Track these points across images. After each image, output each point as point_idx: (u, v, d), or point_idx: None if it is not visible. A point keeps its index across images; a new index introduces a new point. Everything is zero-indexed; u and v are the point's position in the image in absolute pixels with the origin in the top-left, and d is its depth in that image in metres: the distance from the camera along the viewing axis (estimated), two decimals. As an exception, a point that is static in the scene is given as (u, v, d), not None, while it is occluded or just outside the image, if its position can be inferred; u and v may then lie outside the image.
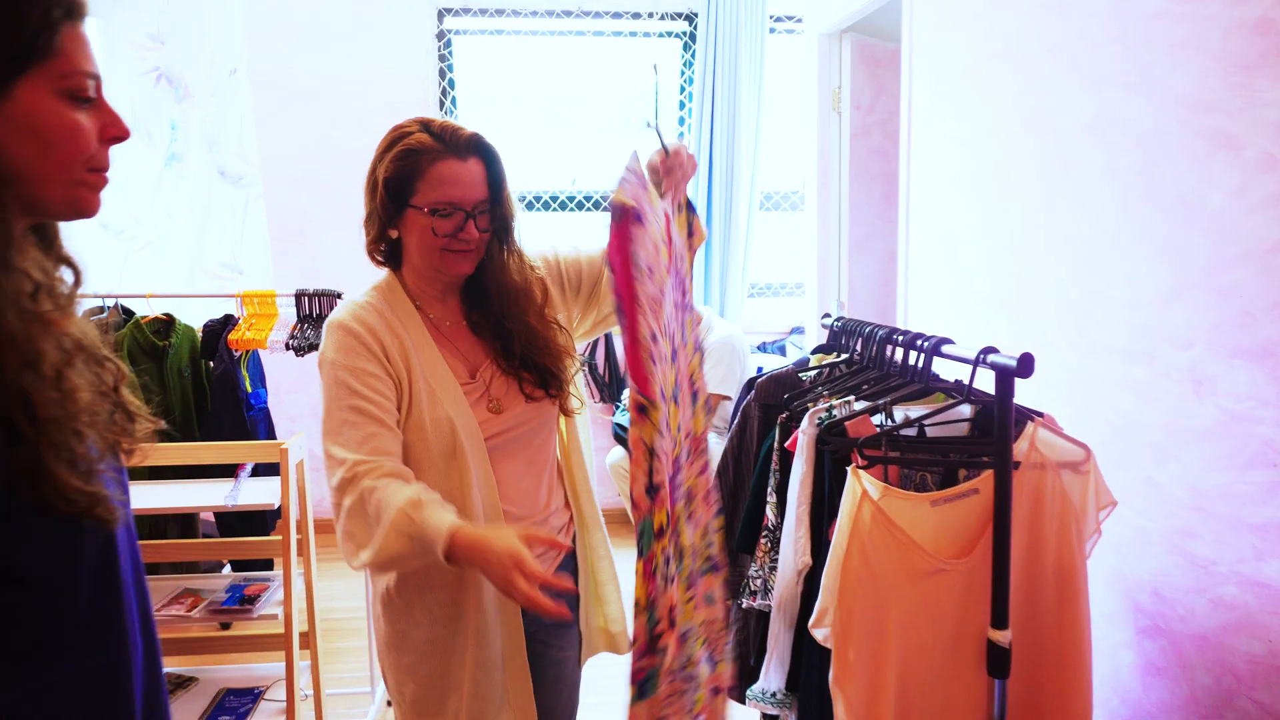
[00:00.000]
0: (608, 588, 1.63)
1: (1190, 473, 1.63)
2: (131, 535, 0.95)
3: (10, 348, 0.76)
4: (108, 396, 0.89)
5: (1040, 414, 1.50)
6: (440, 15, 4.27)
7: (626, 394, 3.86)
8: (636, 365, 1.10)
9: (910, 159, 2.69)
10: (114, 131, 0.86)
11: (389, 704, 2.74)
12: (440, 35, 4.28)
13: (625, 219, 1.09)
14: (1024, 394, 2.01)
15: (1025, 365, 1.28)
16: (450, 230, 1.37)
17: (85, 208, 0.86)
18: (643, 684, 1.16)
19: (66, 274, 0.88)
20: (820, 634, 1.36)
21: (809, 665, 1.51)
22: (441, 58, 4.29)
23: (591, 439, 1.63)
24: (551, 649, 1.55)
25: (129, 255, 3.10)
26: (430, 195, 1.35)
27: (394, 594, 1.44)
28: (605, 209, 1.12)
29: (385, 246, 1.44)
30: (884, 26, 3.41)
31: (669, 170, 1.35)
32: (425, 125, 1.37)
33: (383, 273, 1.49)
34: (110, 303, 2.80)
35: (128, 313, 2.85)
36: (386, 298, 1.43)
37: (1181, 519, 1.65)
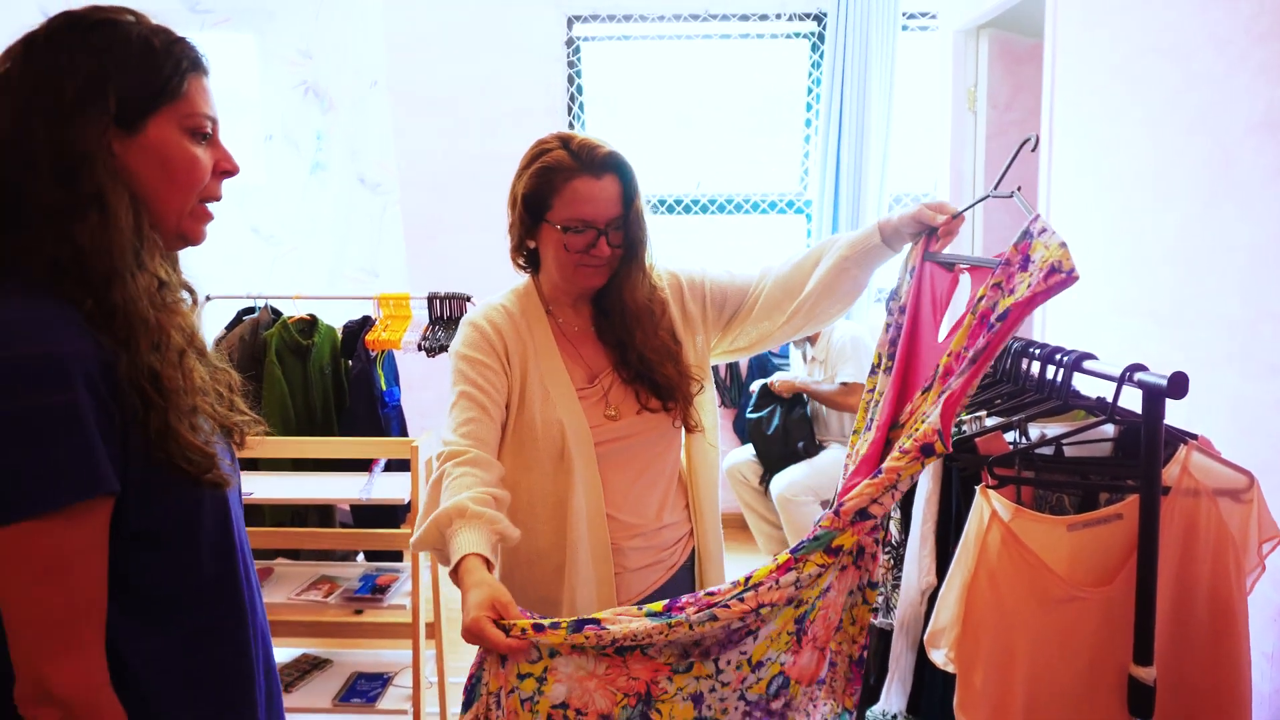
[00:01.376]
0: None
1: (1370, 506, 1.48)
2: (240, 510, 1.07)
3: (144, 331, 0.88)
4: (218, 385, 1.01)
5: (1194, 436, 1.39)
6: (570, 23, 4.35)
7: (756, 389, 3.83)
8: (950, 414, 1.16)
9: (1051, 160, 2.56)
10: (225, 166, 0.99)
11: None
12: (569, 42, 4.36)
13: (1063, 281, 1.10)
14: (1176, 415, 1.87)
15: (1177, 386, 1.19)
16: (582, 247, 1.40)
17: (192, 236, 0.99)
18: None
19: (185, 296, 1.00)
20: (937, 656, 1.31)
21: (931, 688, 1.46)
22: (570, 64, 4.37)
23: (719, 461, 1.60)
24: None
25: (277, 259, 3.31)
26: (564, 212, 1.39)
27: None
28: (1050, 263, 1.12)
29: (525, 254, 1.51)
30: (1025, 21, 3.25)
31: (946, 233, 1.43)
32: (565, 141, 1.40)
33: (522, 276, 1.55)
34: (261, 303, 3.00)
35: (276, 313, 3.03)
36: (521, 301, 1.49)
37: (1359, 556, 1.50)
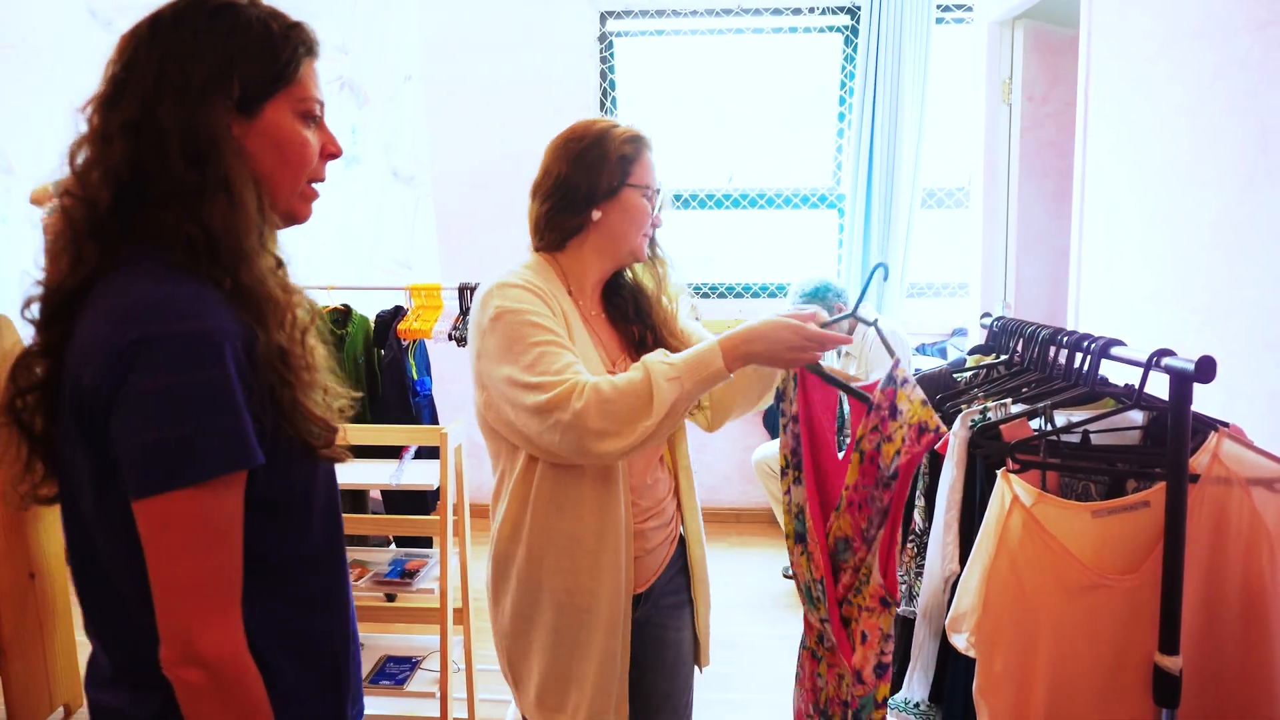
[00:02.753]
0: (700, 587, 1.62)
1: None
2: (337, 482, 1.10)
3: (273, 310, 0.91)
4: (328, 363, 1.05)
5: (1225, 424, 1.37)
6: (603, 18, 4.37)
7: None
8: (891, 568, 1.28)
9: (1086, 150, 2.52)
10: (332, 149, 1.02)
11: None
12: (602, 38, 4.37)
13: (932, 440, 1.17)
14: (1211, 403, 1.83)
15: (1205, 369, 1.17)
16: (650, 212, 1.50)
17: (300, 216, 1.02)
18: None
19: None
20: (959, 640, 1.30)
21: (954, 676, 1.45)
22: (603, 59, 4.39)
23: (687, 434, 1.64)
24: (669, 630, 1.57)
25: (313, 249, 3.36)
26: (644, 178, 1.49)
27: (520, 579, 1.45)
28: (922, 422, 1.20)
29: (571, 225, 1.49)
30: (1062, 11, 3.20)
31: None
32: (618, 122, 1.50)
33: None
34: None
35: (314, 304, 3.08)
36: (542, 276, 1.47)
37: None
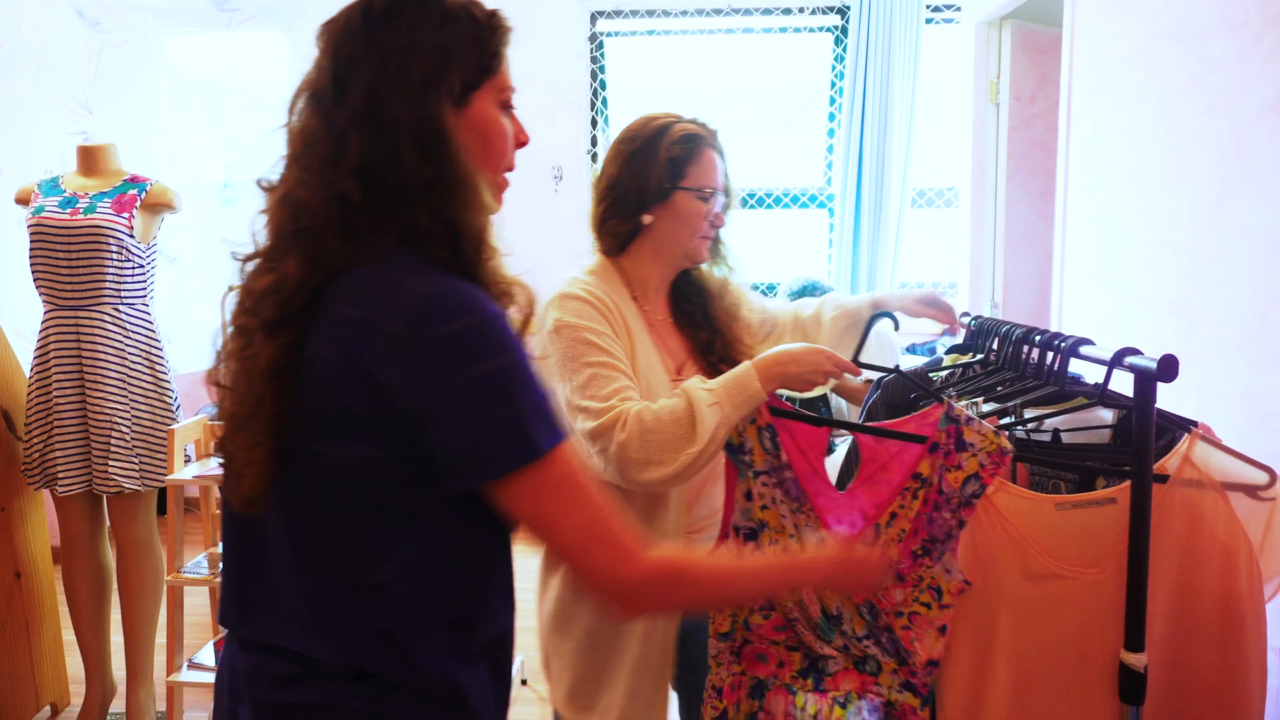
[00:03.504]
0: None
1: (1379, 496, 1.44)
2: None
3: (507, 303, 0.93)
4: None
5: (1194, 424, 1.37)
6: (593, 18, 4.37)
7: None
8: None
9: (1069, 151, 2.53)
10: (523, 137, 1.01)
11: (524, 682, 2.84)
12: (593, 38, 4.38)
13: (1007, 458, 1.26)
14: (1186, 404, 1.84)
15: (1167, 368, 1.17)
16: (709, 214, 1.47)
17: (497, 205, 1.00)
18: None
19: None
20: None
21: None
22: (594, 59, 4.39)
23: None
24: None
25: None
26: (701, 179, 1.45)
27: (565, 578, 1.45)
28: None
29: (624, 230, 1.48)
30: (1050, 11, 3.20)
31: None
32: (679, 118, 1.48)
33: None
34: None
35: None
36: (604, 284, 1.45)
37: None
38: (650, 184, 1.43)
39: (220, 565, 1.07)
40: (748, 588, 1.03)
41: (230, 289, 0.96)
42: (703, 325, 1.53)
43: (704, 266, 1.55)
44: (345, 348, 0.85)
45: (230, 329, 0.93)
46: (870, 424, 1.41)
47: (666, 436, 1.27)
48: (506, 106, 0.98)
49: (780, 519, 1.33)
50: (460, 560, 0.92)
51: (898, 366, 1.50)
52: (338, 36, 0.91)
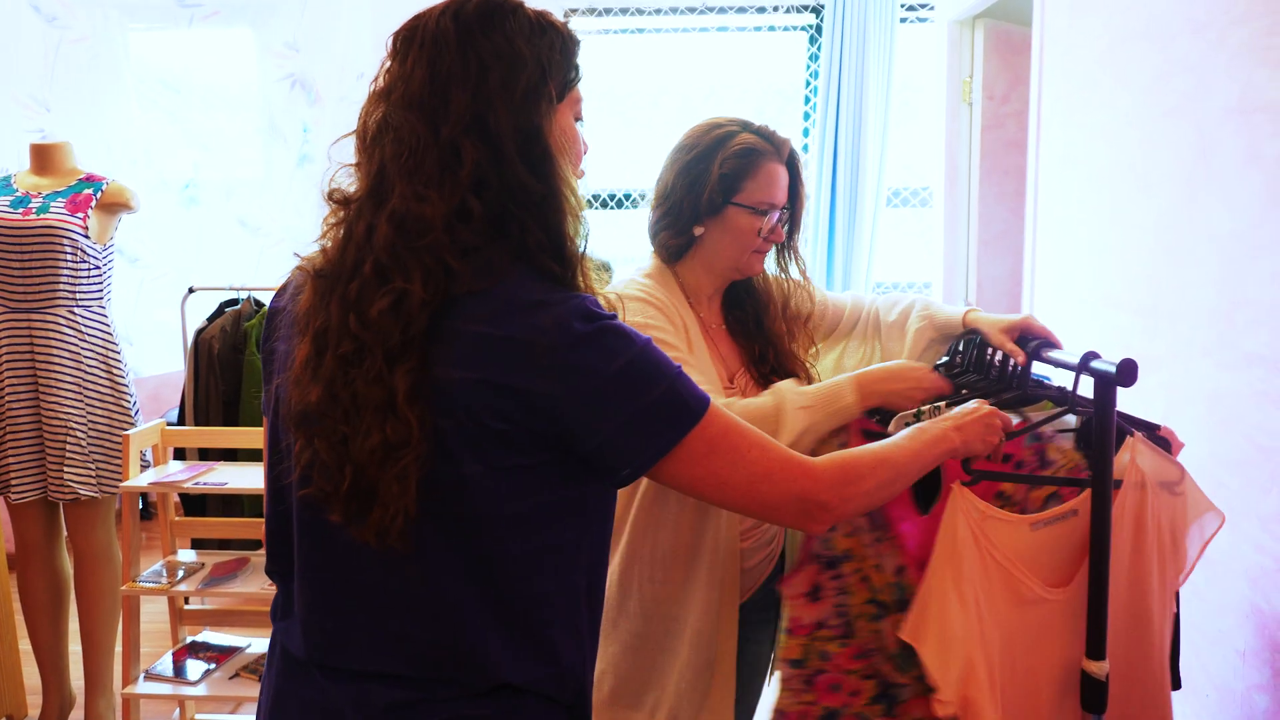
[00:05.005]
0: None
1: (1342, 500, 1.44)
2: None
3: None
4: None
5: (1150, 425, 1.35)
6: (567, 16, 4.33)
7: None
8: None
9: (1039, 152, 2.52)
10: (587, 145, 1.04)
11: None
12: (566, 36, 4.34)
13: None
14: (1154, 407, 1.83)
15: (1126, 373, 1.16)
16: (765, 230, 1.42)
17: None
18: None
19: None
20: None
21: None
22: (567, 58, 4.35)
23: None
24: (751, 643, 1.52)
25: (264, 250, 3.32)
26: (757, 194, 1.41)
27: (612, 582, 1.42)
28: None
29: (676, 243, 1.46)
30: (1022, 10, 3.20)
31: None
32: (746, 125, 1.43)
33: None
34: (244, 295, 3.00)
35: (259, 304, 3.03)
36: (662, 286, 1.43)
37: (1331, 551, 1.46)
38: (702, 197, 1.40)
39: (283, 598, 1.02)
40: (903, 456, 1.06)
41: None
42: (755, 335, 1.51)
43: (762, 279, 1.53)
44: (486, 367, 0.84)
45: (313, 354, 0.87)
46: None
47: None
48: (579, 118, 0.99)
49: (863, 547, 1.30)
50: (595, 564, 0.97)
51: (974, 385, 1.43)
52: (430, 45, 0.89)
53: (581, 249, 0.92)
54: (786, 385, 1.33)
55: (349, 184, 0.92)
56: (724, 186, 1.39)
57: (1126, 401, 1.36)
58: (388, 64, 0.92)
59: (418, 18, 0.91)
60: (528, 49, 0.89)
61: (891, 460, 1.04)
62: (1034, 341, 1.42)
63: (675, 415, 0.89)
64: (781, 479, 0.93)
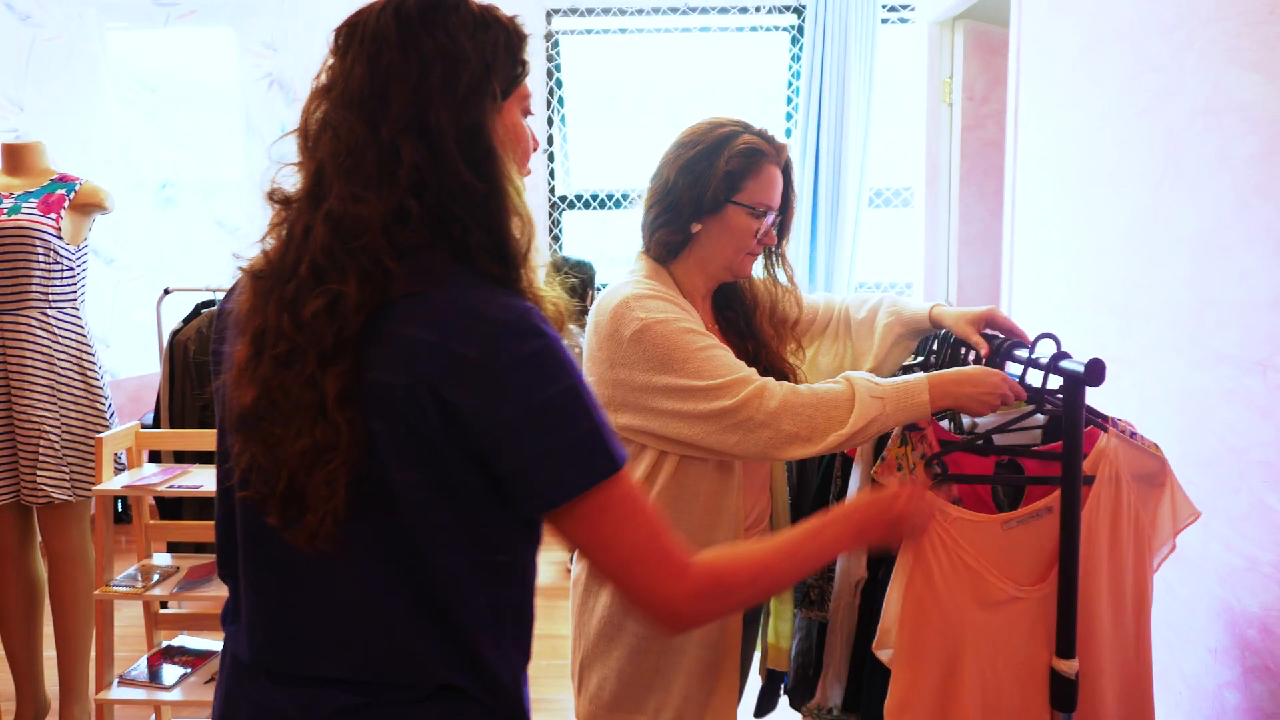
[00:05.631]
0: (786, 599, 1.62)
1: (1310, 497, 1.45)
2: None
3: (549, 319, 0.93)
4: None
5: (1108, 419, 1.36)
6: (549, 16, 4.32)
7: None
8: None
9: (1016, 153, 2.53)
10: (536, 142, 1.00)
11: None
12: (548, 36, 4.33)
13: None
14: (1128, 407, 1.84)
15: (1094, 372, 1.16)
16: (760, 232, 1.43)
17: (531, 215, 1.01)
18: None
19: None
20: (884, 655, 1.29)
21: (871, 686, 1.43)
22: (549, 58, 4.34)
23: None
24: (745, 644, 1.55)
25: (241, 251, 3.28)
26: (757, 195, 1.41)
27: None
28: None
29: (674, 240, 1.45)
30: (1002, 11, 3.21)
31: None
32: (747, 127, 1.43)
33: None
34: (220, 296, 2.97)
35: (239, 305, 3.00)
36: (664, 285, 1.44)
37: (1299, 549, 1.47)
38: (705, 194, 1.40)
39: (233, 602, 1.01)
40: (791, 564, 1.03)
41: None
42: (747, 335, 1.52)
43: (752, 277, 1.54)
44: (418, 372, 0.82)
45: (251, 356, 0.85)
46: (1041, 447, 1.38)
47: (821, 414, 1.28)
48: (527, 114, 0.97)
49: None
50: (522, 578, 0.94)
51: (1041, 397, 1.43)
52: (370, 41, 0.86)
53: (525, 249, 0.89)
54: (859, 374, 1.33)
55: (293, 184, 0.90)
56: (727, 184, 1.39)
57: (1100, 401, 1.37)
58: (330, 60, 0.89)
59: (359, 13, 0.89)
60: (471, 45, 0.87)
61: (775, 570, 1.00)
62: (1005, 341, 1.43)
63: (595, 459, 0.85)
64: (655, 571, 0.89)
